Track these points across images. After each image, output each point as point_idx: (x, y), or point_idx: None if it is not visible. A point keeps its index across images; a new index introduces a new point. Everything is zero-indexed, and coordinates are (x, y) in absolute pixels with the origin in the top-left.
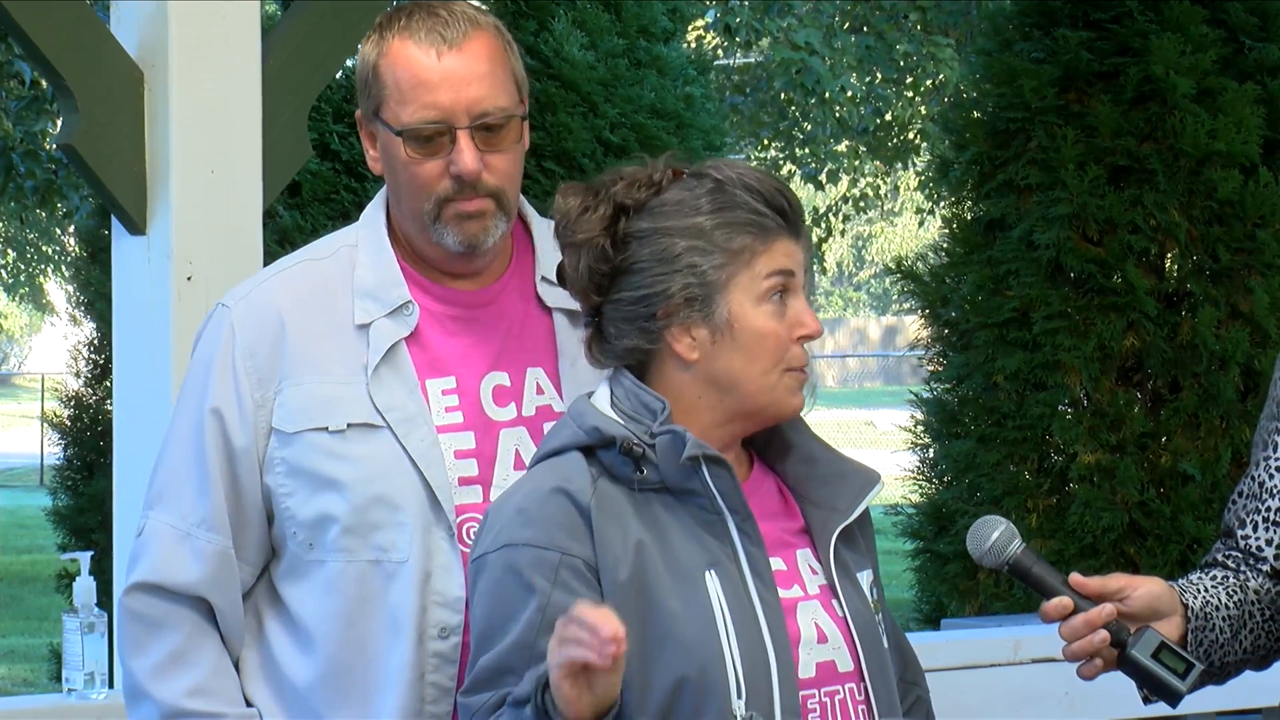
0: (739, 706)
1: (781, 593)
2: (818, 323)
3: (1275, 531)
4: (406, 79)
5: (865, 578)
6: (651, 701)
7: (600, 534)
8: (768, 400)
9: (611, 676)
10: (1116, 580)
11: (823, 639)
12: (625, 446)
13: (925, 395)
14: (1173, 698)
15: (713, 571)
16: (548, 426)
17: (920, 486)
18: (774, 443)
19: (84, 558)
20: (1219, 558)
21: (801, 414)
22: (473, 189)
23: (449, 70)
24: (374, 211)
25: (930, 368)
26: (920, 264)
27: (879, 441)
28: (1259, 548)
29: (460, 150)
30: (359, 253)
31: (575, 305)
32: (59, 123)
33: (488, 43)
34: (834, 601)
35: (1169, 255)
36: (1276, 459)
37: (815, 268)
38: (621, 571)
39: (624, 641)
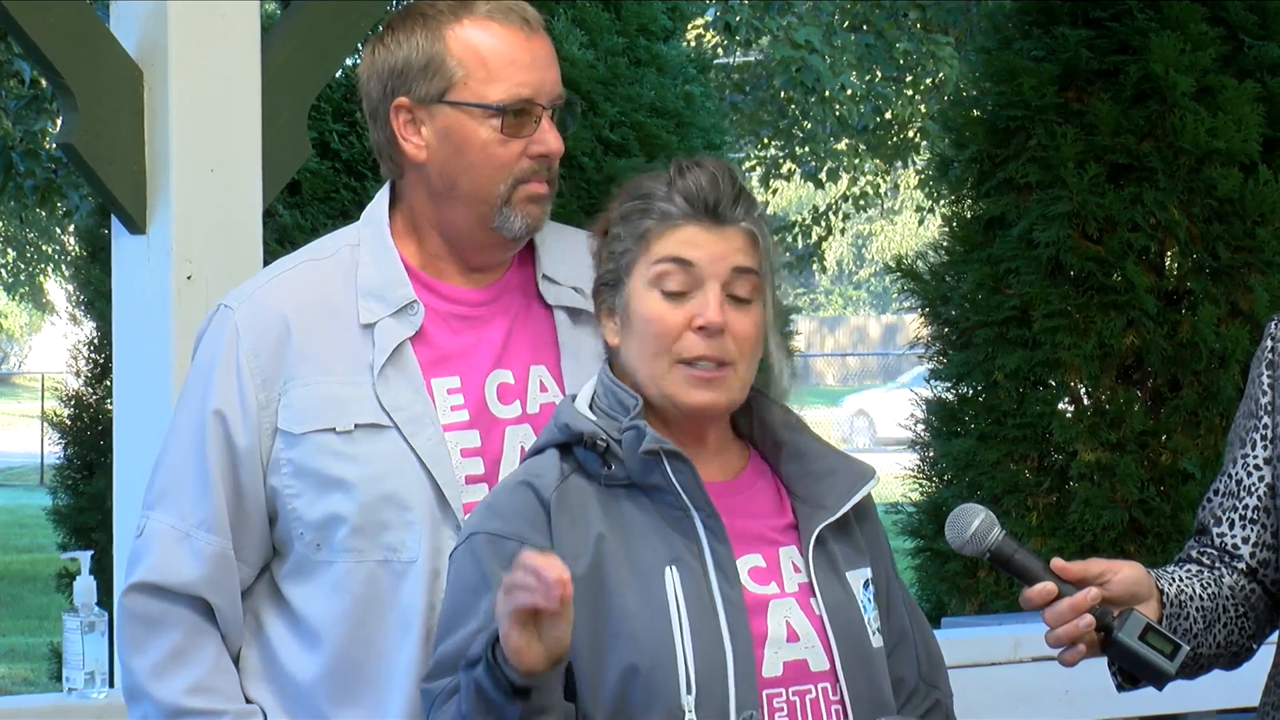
0: (689, 702)
1: (756, 589)
2: (716, 314)
3: (1252, 529)
4: (497, 57)
5: (859, 576)
6: (603, 692)
7: (557, 528)
8: (658, 392)
9: (560, 624)
10: (1097, 564)
11: (793, 638)
12: (589, 441)
13: (925, 393)
14: (1160, 680)
15: (673, 567)
16: None
17: (920, 485)
18: (768, 441)
19: (84, 557)
20: (1193, 554)
21: (778, 406)
22: (547, 170)
23: (537, 51)
24: (376, 210)
25: (930, 366)
26: (920, 262)
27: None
28: (1235, 545)
29: (545, 130)
30: (361, 252)
31: (576, 303)
32: (59, 121)
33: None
34: (812, 600)
35: (1169, 253)
36: (1254, 457)
37: (815, 266)
38: (579, 565)
39: (569, 585)
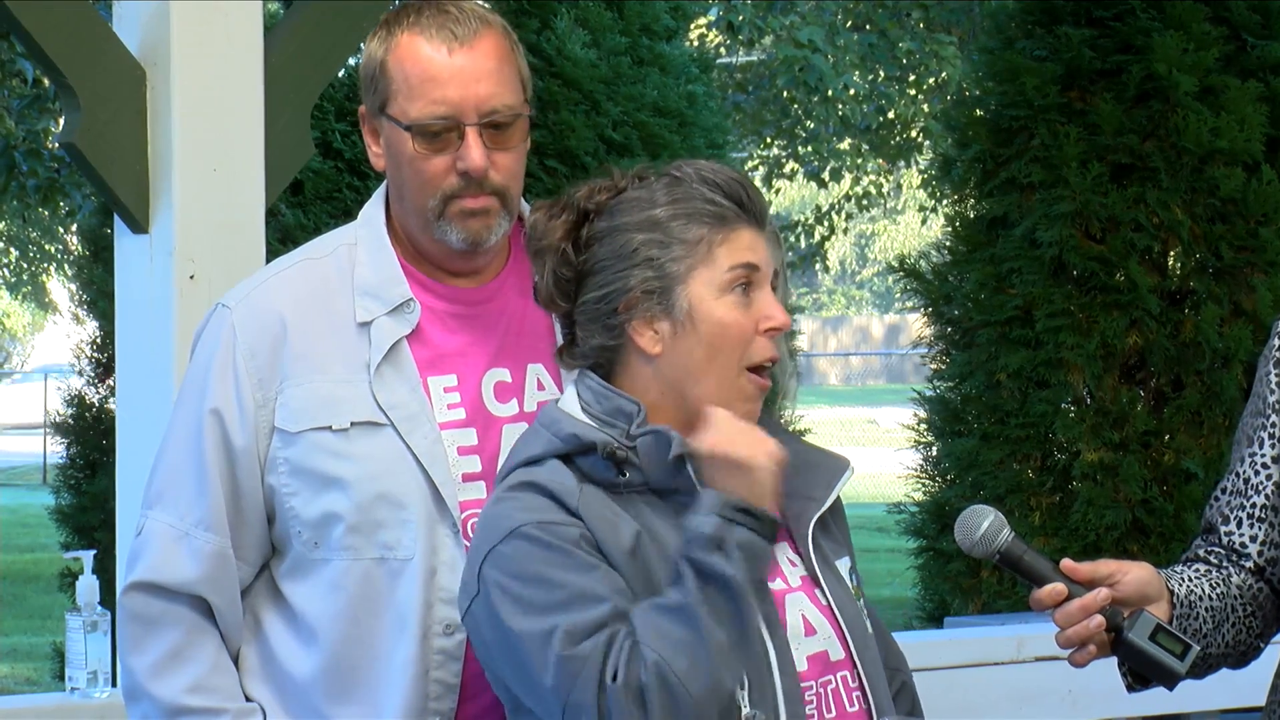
0: (742, 698)
1: (770, 586)
2: (785, 315)
3: (1260, 528)
4: (416, 75)
5: (844, 565)
6: None
7: (597, 533)
8: (723, 402)
9: None
10: (1107, 565)
11: (810, 631)
12: (607, 451)
13: (928, 393)
14: (1171, 680)
15: None
16: None
17: (923, 484)
18: None
19: (87, 556)
20: (1200, 554)
21: (792, 411)
22: (479, 186)
23: (459, 67)
24: (373, 209)
25: (933, 366)
26: (923, 262)
27: (882, 440)
28: (1243, 544)
29: (468, 147)
30: (358, 251)
31: None
32: (61, 121)
33: (496, 41)
34: (817, 591)
35: (1171, 253)
36: (1262, 455)
37: (818, 265)
38: (625, 545)
39: None
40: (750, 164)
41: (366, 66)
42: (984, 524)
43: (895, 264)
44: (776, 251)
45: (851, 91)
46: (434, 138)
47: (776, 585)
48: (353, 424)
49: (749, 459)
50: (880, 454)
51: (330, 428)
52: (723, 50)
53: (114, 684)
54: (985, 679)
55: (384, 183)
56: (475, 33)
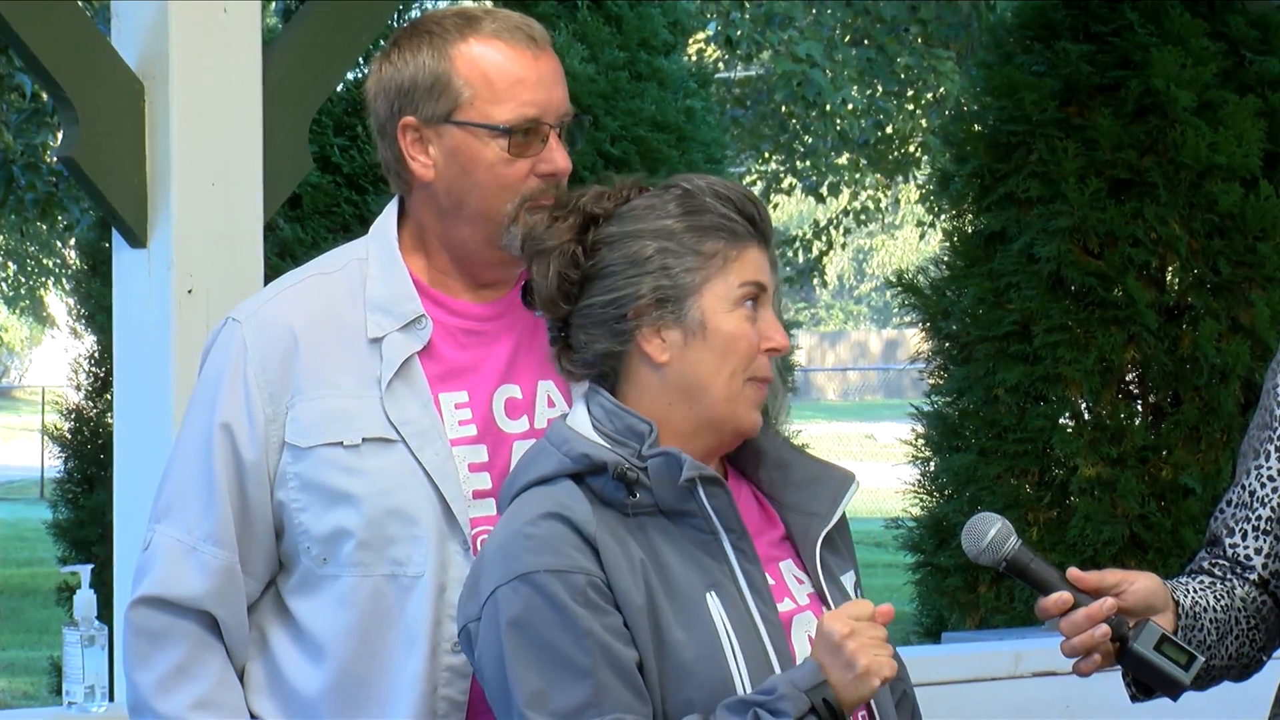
0: None
1: (779, 607)
2: (785, 338)
3: (1265, 540)
4: (503, 77)
5: (849, 580)
6: None
7: (609, 562)
8: (729, 410)
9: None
10: (1113, 575)
11: None
12: (619, 472)
13: (926, 408)
14: (1175, 690)
15: (713, 593)
16: None
17: (921, 499)
18: (746, 450)
19: (84, 571)
20: (1205, 565)
21: (786, 425)
22: (555, 188)
23: (544, 70)
24: (384, 224)
25: (931, 381)
26: (921, 277)
27: (880, 454)
28: (1247, 556)
29: (552, 149)
30: (369, 266)
31: None
32: (59, 135)
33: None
34: (824, 609)
35: (1170, 268)
36: (1268, 468)
37: (816, 280)
38: (636, 597)
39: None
40: (748, 179)
41: (420, 77)
42: (991, 531)
43: (893, 279)
44: (775, 272)
45: (850, 106)
46: (524, 140)
47: (785, 606)
48: (364, 440)
49: (865, 669)
50: (878, 469)
51: (341, 443)
52: (721, 65)
53: (111, 698)
54: (983, 694)
55: (395, 197)
56: (545, 38)
